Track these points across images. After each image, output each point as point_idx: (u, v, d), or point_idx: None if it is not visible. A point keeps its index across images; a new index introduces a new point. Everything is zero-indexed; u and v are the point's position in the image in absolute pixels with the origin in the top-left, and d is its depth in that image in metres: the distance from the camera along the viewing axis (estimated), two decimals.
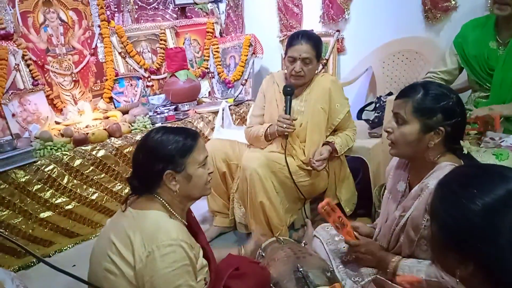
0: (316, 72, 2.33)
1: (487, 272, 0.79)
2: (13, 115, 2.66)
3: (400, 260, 1.36)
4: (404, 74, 3.00)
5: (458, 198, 0.82)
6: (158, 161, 1.34)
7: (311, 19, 3.52)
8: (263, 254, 1.75)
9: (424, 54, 2.86)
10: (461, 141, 1.34)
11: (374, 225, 1.66)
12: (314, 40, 2.22)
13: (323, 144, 2.26)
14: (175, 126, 1.32)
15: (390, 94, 2.71)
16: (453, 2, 2.75)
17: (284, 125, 2.16)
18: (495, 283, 0.79)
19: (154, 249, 1.22)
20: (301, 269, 1.47)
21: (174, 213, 1.37)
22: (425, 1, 2.85)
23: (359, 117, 2.86)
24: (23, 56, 2.85)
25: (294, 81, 2.25)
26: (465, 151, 1.33)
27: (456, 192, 0.84)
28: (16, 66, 2.80)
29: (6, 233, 2.24)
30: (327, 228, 1.71)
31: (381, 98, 2.64)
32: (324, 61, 3.32)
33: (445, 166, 1.27)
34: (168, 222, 1.31)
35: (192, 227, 1.49)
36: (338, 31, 3.32)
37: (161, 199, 1.36)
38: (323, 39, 2.56)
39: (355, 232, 1.52)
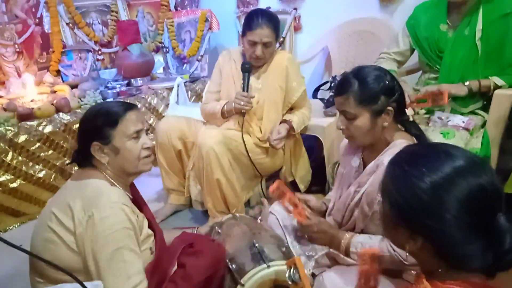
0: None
1: (434, 246, 0.83)
2: None
3: (352, 237, 1.39)
4: (359, 54, 3.03)
5: (407, 177, 0.85)
6: (86, 132, 1.36)
7: None
8: (219, 231, 1.75)
9: (379, 35, 2.91)
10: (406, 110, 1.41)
11: (326, 200, 1.70)
12: (274, 22, 2.18)
13: (281, 122, 2.27)
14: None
15: None
16: None
17: (242, 102, 2.14)
18: (442, 255, 0.83)
19: (94, 212, 1.20)
20: (256, 244, 1.48)
21: (115, 184, 1.35)
22: None
23: (314, 96, 2.89)
24: None
25: (254, 63, 2.22)
26: (411, 119, 1.41)
27: (405, 170, 0.86)
28: None
29: None
30: None
31: (336, 77, 2.68)
32: (281, 39, 3.31)
33: (400, 143, 1.31)
34: (109, 188, 1.30)
35: (137, 201, 1.47)
36: (295, 9, 3.31)
37: (101, 170, 1.35)
38: (280, 17, 2.54)
39: (306, 213, 1.53)
